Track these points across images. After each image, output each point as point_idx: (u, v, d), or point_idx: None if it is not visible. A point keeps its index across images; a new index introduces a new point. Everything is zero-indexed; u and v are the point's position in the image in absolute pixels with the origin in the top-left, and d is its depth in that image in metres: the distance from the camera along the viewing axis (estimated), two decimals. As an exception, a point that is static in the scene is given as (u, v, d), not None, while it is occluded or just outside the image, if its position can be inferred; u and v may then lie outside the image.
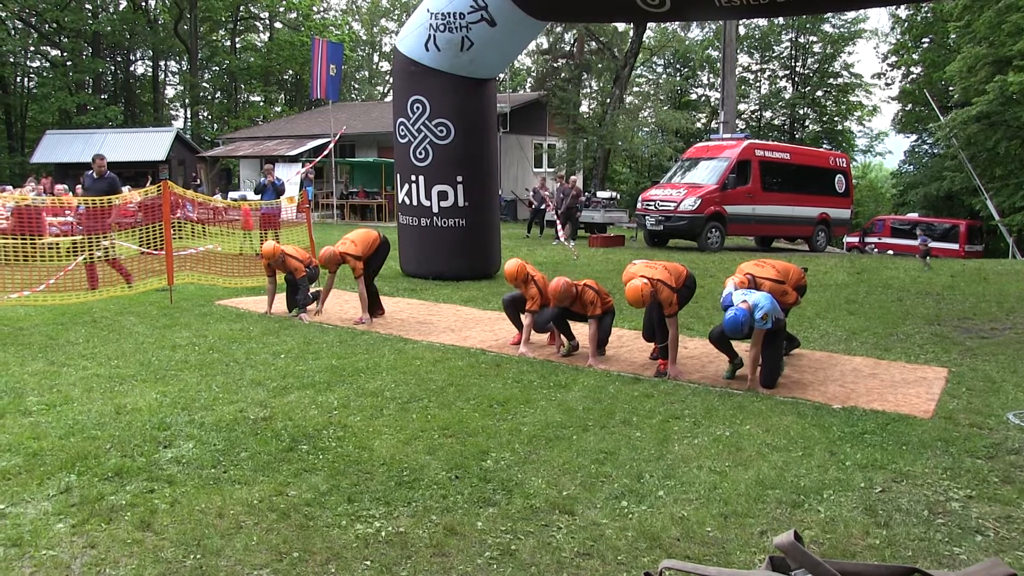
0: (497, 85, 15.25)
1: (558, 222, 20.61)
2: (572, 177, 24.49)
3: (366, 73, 64.90)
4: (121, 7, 49.99)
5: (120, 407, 6.10)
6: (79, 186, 23.74)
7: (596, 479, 4.78)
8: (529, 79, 48.26)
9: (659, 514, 4.28)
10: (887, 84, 52.84)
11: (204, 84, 54.20)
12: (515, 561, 3.79)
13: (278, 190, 16.33)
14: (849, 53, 52.81)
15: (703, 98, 52.79)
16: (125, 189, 24.30)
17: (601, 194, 26.49)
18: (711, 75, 51.04)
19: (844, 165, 24.71)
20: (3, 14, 44.54)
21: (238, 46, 54.09)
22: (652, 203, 20.99)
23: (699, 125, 46.82)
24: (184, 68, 53.24)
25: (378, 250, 10.12)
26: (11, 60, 45.70)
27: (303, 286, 10.13)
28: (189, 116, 55.49)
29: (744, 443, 5.39)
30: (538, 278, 8.42)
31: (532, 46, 34.24)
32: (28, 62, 48.22)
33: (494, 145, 14.10)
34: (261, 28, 56.22)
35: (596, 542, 3.98)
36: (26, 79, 48.54)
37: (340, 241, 10.11)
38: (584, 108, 40.42)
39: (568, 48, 39.72)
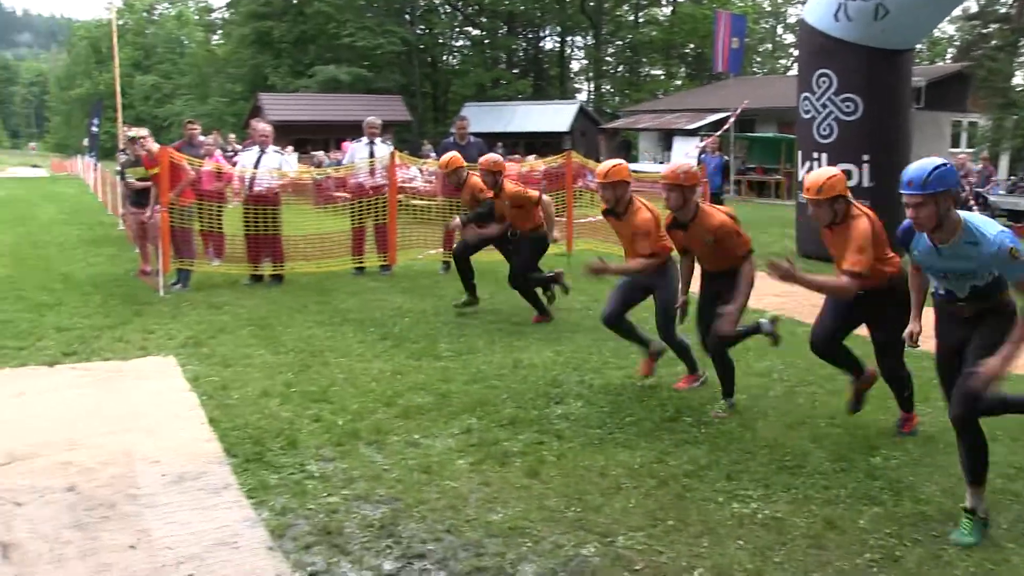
0: (913, 56, 14.11)
1: (974, 206, 18.66)
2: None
3: (769, 46, 63.07)
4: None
5: (518, 361, 6.63)
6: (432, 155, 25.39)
7: (1002, 496, 4.28)
8: (951, 49, 43.92)
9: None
10: None
11: (607, 58, 56.13)
12: (899, 569, 3.57)
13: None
14: None
15: None
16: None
17: (1032, 177, 23.48)
18: None
19: None
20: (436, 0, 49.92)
21: (641, 20, 55.22)
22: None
23: None
24: (589, 43, 55.51)
25: None
26: (440, 41, 51.28)
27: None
28: (592, 89, 57.82)
29: None
30: None
31: (957, 11, 30.95)
32: (453, 42, 53.88)
33: (907, 122, 13.08)
34: (664, 2, 56.85)
35: (997, 567, 3.59)
36: (450, 57, 54.09)
37: None
38: (1017, 79, 35.93)
39: (1005, 11, 35.49)
